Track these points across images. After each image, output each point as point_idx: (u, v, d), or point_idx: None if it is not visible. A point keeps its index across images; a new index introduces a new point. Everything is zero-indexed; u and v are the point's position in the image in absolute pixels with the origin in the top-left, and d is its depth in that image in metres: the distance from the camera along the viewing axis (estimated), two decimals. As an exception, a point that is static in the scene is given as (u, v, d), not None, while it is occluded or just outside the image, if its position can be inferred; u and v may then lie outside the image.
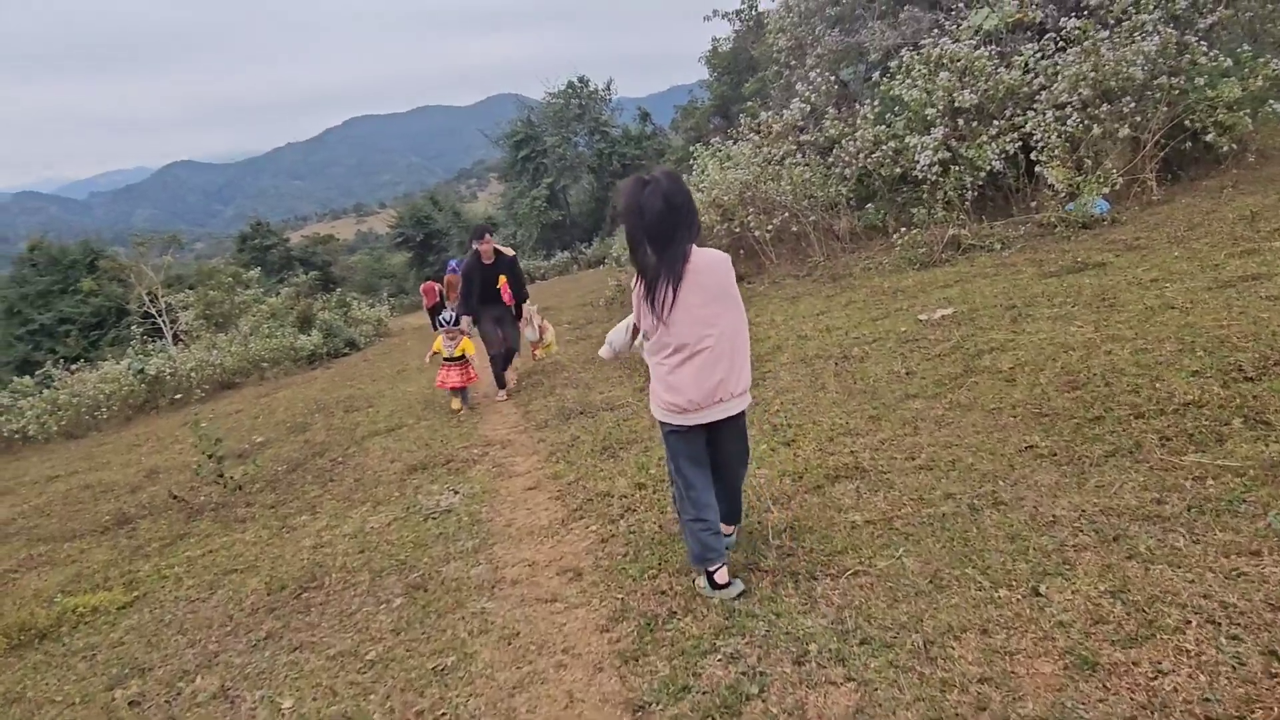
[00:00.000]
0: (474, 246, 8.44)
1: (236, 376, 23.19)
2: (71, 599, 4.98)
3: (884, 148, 12.50)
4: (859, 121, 12.97)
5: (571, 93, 58.48)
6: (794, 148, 13.89)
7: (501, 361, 9.39)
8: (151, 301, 26.67)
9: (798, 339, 7.89)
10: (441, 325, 9.09)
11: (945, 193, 11.25)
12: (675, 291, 3.09)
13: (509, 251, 8.44)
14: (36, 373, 26.96)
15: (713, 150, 17.87)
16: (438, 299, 21.96)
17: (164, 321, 26.13)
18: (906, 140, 12.19)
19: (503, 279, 8.51)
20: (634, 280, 3.27)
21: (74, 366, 25.58)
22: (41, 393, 24.02)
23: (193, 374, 22.32)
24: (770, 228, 13.31)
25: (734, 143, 17.18)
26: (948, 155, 11.69)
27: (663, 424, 3.34)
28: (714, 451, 3.43)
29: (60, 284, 55.54)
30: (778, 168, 13.78)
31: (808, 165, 13.78)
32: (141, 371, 22.39)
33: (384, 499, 5.91)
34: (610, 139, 57.10)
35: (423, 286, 23.55)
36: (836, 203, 13.75)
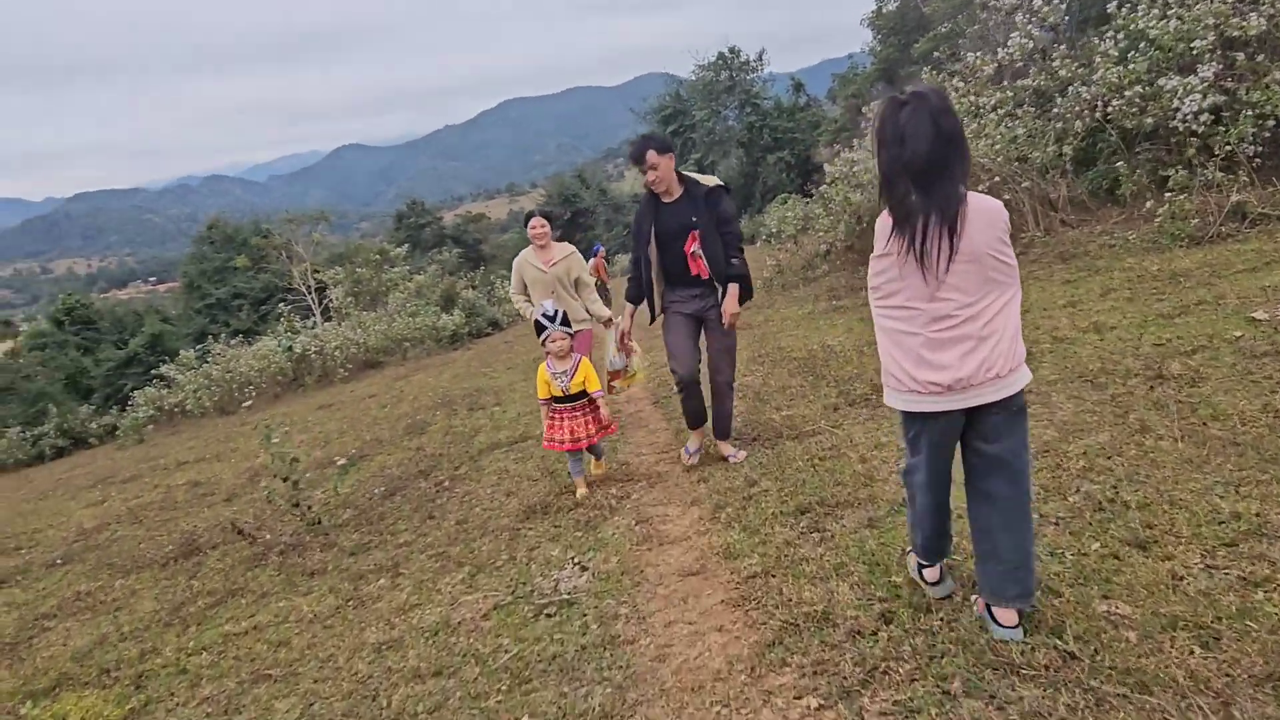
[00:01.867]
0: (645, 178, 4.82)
1: (380, 355, 22.73)
2: (37, 711, 3.62)
3: (1128, 94, 9.89)
4: (1097, 60, 10.39)
5: (722, 64, 56.13)
6: (1007, 96, 11.44)
7: (695, 400, 5.34)
8: (301, 279, 26.68)
9: (1054, 341, 5.73)
10: (544, 329, 4.98)
11: (1226, 146, 8.60)
12: (952, 242, 2.39)
13: (710, 181, 4.78)
14: (197, 346, 27.48)
15: (891, 110, 15.45)
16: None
17: (312, 299, 26.10)
18: (1159, 84, 9.56)
19: (694, 237, 4.74)
20: (885, 227, 2.54)
21: (233, 341, 25.90)
22: (200, 367, 24.36)
23: (336, 353, 21.93)
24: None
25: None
26: (1221, 100, 9.04)
27: (909, 414, 2.67)
28: (977, 460, 2.66)
29: (233, 261, 57.99)
30: (980, 122, 11.38)
31: (1018, 119, 11.30)
32: (289, 349, 22.22)
33: (487, 562, 4.26)
34: (761, 111, 54.43)
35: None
36: (1055, 165, 11.22)
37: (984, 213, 2.46)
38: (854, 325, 8.80)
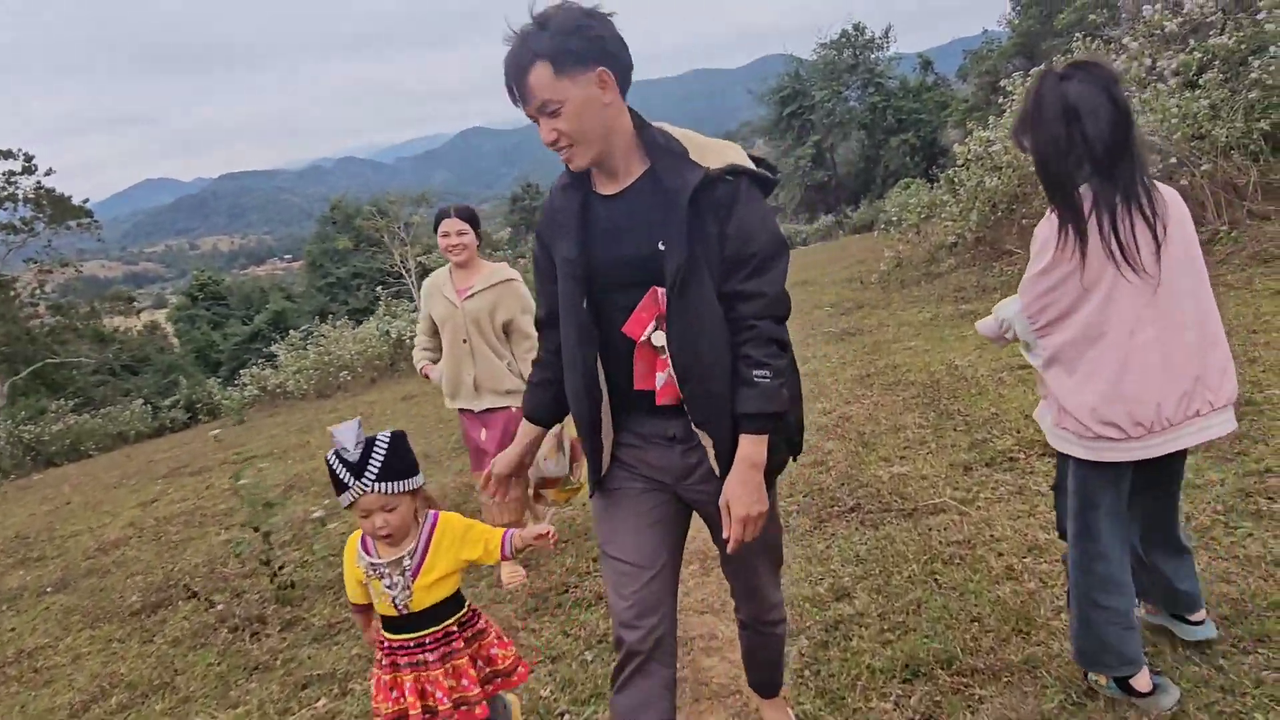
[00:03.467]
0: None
1: (474, 341, 22.10)
2: None
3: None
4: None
5: (845, 42, 53.42)
6: (1191, 58, 9.46)
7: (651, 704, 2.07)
8: (401, 261, 26.39)
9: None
10: (341, 485, 2.22)
11: None
12: (1156, 232, 1.97)
13: (718, 154, 1.94)
14: (303, 328, 27.51)
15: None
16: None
17: (411, 281, 25.71)
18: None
19: (653, 301, 1.94)
20: (1052, 233, 2.02)
21: (339, 322, 25.78)
22: (305, 349, 24.34)
23: (431, 339, 21.35)
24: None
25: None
26: None
27: (1085, 462, 2.09)
28: (1147, 501, 2.24)
29: (334, 242, 59.32)
30: (1154, 90, 9.45)
31: (1202, 88, 9.30)
32: (386, 334, 21.87)
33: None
34: (885, 91, 51.61)
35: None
36: (1243, 144, 9.18)
37: (1173, 202, 2.14)
38: (986, 340, 7.19)
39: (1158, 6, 10.13)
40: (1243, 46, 9.32)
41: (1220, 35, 9.21)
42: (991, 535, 3.31)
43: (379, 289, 24.48)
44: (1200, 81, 9.51)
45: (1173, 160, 9.03)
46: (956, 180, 13.59)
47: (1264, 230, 8.35)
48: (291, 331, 26.89)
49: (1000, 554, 3.15)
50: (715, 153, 1.91)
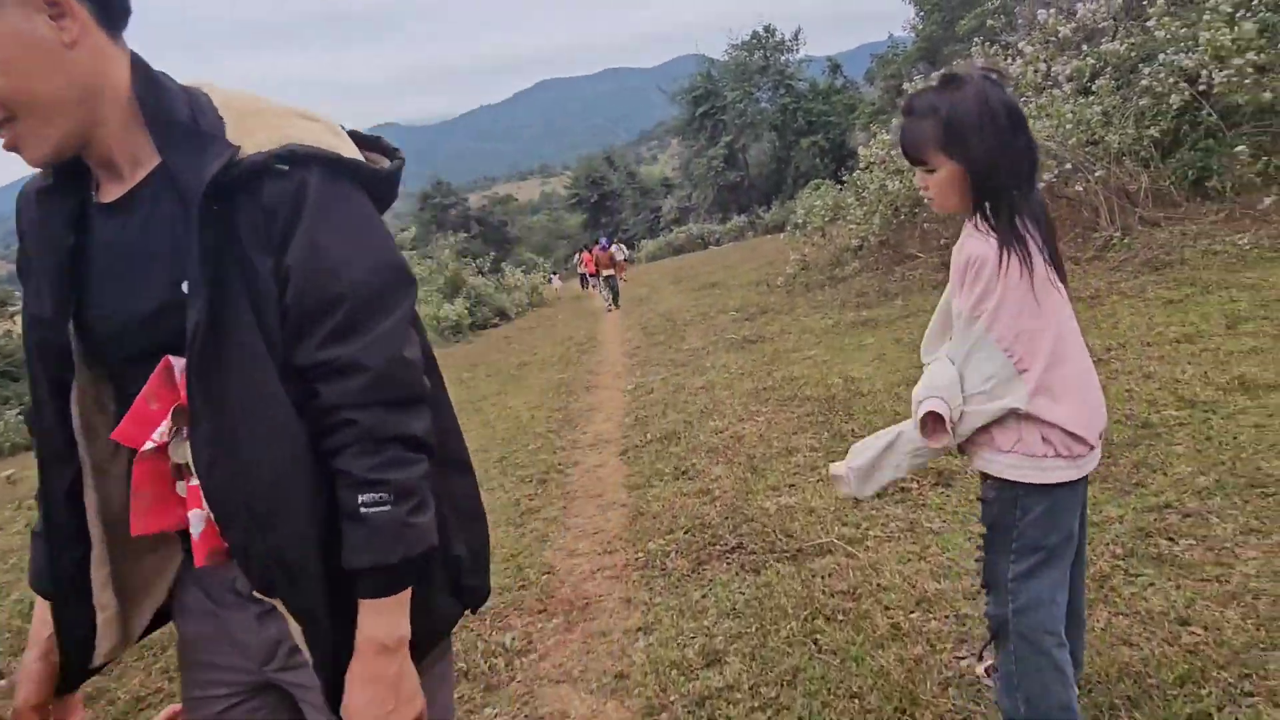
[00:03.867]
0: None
1: (377, 347, 21.26)
2: None
3: (1237, 62, 7.93)
4: (1200, 20, 8.42)
5: (756, 44, 53.87)
6: (1085, 64, 9.51)
7: None
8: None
9: (1184, 405, 3.90)
10: None
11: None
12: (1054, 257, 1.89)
13: (273, 135, 1.12)
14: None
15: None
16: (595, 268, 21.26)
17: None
18: (1282, 49, 7.61)
19: (160, 376, 1.14)
20: (992, 253, 1.78)
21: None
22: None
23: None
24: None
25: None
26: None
27: (1060, 485, 1.86)
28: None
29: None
30: (1048, 96, 9.46)
31: (1094, 94, 9.35)
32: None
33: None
34: (795, 93, 52.25)
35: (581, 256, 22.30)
36: (1134, 150, 9.27)
37: None
38: (886, 348, 6.98)
39: (1052, 12, 10.18)
40: (1133, 54, 9.41)
41: (1112, 41, 9.27)
42: (879, 584, 2.99)
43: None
44: (1093, 88, 9.59)
45: (1068, 166, 9.05)
46: (860, 183, 13.56)
47: (1155, 237, 8.40)
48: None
49: (887, 607, 2.83)
50: (267, 124, 1.13)
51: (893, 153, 11.84)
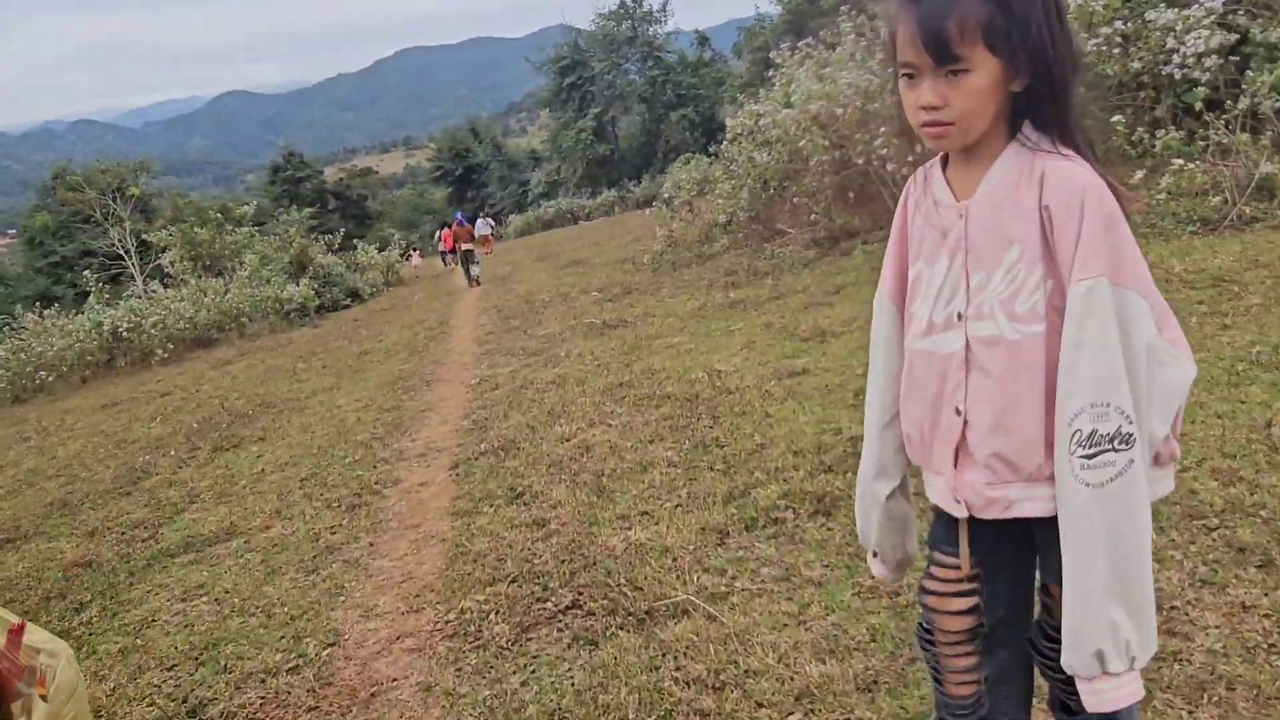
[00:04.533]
0: None
1: (214, 332, 19.42)
2: None
3: (1104, 31, 7.69)
4: (1068, -13, 8.14)
5: (623, 14, 52.97)
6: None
7: None
8: (120, 240, 22.78)
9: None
10: None
11: (1251, 99, 6.40)
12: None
13: None
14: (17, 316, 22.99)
15: (802, 55, 13.07)
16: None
17: (133, 263, 22.27)
18: (1150, 19, 7.38)
19: None
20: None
21: (46, 312, 21.81)
22: (5, 343, 20.40)
23: (154, 330, 18.44)
24: (913, 155, 8.64)
25: (833, 49, 12.40)
26: (1233, 41, 6.93)
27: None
28: None
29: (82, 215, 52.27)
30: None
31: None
32: (99, 325, 18.63)
33: None
34: (664, 65, 51.79)
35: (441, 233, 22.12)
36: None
37: None
38: (755, 334, 6.35)
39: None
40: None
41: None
42: (748, 667, 2.27)
43: (85, 273, 20.94)
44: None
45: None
46: (727, 156, 13.01)
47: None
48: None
49: (759, 704, 2.12)
50: None
51: (760, 123, 11.30)
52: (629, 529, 3.30)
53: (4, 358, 18.69)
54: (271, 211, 41.29)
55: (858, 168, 9.61)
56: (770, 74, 14.29)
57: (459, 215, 23.30)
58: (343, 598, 3.36)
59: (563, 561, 3.16)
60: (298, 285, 20.88)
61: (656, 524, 3.29)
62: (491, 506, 3.96)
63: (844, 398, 4.27)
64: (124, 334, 18.61)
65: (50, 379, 17.62)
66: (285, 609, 3.33)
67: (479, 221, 32.21)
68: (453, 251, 23.57)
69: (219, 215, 24.54)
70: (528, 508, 3.82)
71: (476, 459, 4.79)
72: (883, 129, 8.62)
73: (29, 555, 4.83)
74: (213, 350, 17.90)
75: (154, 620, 3.49)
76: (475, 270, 19.23)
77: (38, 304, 24.06)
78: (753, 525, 3.08)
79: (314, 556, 3.85)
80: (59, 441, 10.11)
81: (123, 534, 4.86)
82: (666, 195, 15.36)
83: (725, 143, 13.29)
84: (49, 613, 3.75)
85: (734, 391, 4.88)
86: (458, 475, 4.62)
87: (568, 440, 4.70)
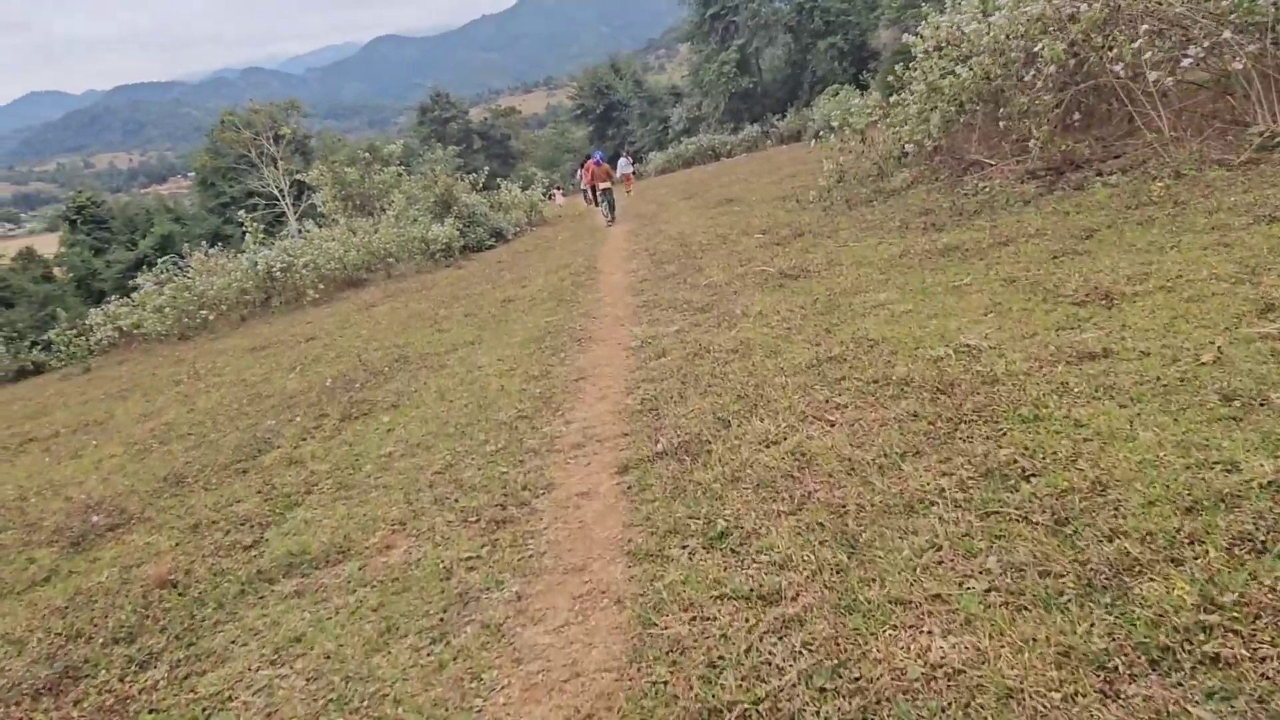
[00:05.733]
0: None
1: (362, 272, 19.31)
2: None
3: None
4: None
5: (772, -63, 49.96)
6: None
7: None
8: (274, 180, 22.92)
9: None
10: None
11: None
12: None
13: None
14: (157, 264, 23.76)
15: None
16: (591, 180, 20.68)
17: (287, 204, 22.40)
18: None
19: None
20: None
21: (211, 251, 22.36)
22: (173, 282, 21.03)
23: (306, 270, 18.42)
24: (1173, 67, 6.76)
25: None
26: None
27: None
28: None
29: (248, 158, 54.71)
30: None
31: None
32: (255, 265, 18.81)
33: None
34: (813, -10, 48.61)
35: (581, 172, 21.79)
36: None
37: None
38: (998, 294, 4.89)
39: None
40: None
41: None
42: None
43: (241, 212, 21.12)
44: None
45: (1223, 37, 6.75)
46: (908, 78, 11.24)
47: None
48: (160, 261, 23.29)
49: None
50: None
51: (968, 30, 9.49)
52: (921, 634, 2.06)
53: (169, 297, 19.09)
54: (420, 152, 41.57)
55: (1092, 82, 7.79)
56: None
57: (598, 154, 22.75)
58: (479, 699, 2.29)
59: (821, 693, 1.96)
60: (442, 225, 20.42)
61: (969, 631, 2.03)
62: (683, 549, 2.81)
63: (1204, 401, 2.85)
64: (277, 274, 18.70)
65: (212, 317, 17.92)
66: (399, 709, 2.30)
67: (621, 160, 31.41)
68: (593, 189, 23.04)
69: (366, 155, 24.35)
70: (739, 560, 2.64)
71: (652, 462, 3.64)
72: (1144, 27, 6.77)
73: (122, 555, 4.07)
74: (361, 291, 17.73)
75: (229, 700, 2.55)
76: (613, 210, 19.17)
77: (206, 243, 24.77)
78: (1159, 662, 1.79)
79: (443, 609, 2.81)
80: (205, 388, 9.77)
81: (226, 534, 4.02)
82: (837, 123, 13.63)
83: (907, 62, 11.50)
84: (109, 667, 2.89)
85: (1002, 380, 3.51)
86: (629, 487, 3.49)
87: (774, 444, 3.48)
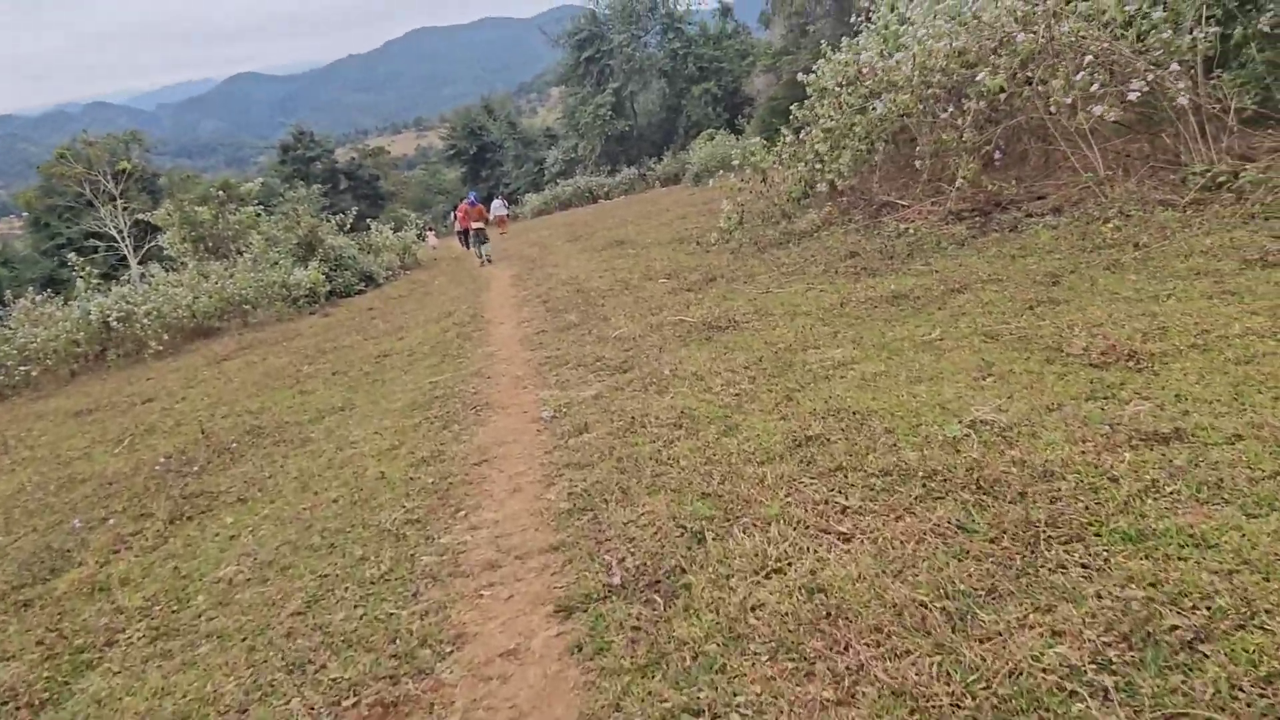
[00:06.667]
0: None
1: (214, 320, 17.40)
2: None
3: None
4: None
5: (643, -17, 50.54)
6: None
7: None
8: (111, 219, 20.67)
9: None
10: None
11: None
12: None
13: None
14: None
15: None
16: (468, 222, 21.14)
17: (128, 246, 20.19)
18: None
19: None
20: None
21: (38, 298, 19.77)
22: (-4, 331, 18.33)
23: (148, 319, 16.39)
24: (1112, 104, 6.33)
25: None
26: None
27: None
28: None
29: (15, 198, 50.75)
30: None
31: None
32: (87, 315, 16.61)
33: None
34: (686, 37, 49.34)
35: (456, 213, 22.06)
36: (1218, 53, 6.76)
37: None
38: (984, 351, 4.16)
39: None
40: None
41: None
42: None
43: (72, 255, 18.81)
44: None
45: (1149, 80, 6.39)
46: (810, 116, 10.76)
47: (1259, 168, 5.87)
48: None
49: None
50: None
51: (882, 65, 9.02)
52: None
53: (-2, 350, 16.64)
54: (282, 191, 39.27)
55: (1021, 118, 7.38)
56: (855, 18, 11.99)
57: (471, 195, 22.98)
58: None
59: None
60: (306, 269, 18.80)
61: None
62: None
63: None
64: (114, 324, 16.61)
65: (35, 373, 15.67)
66: None
67: (495, 202, 30.81)
68: (467, 231, 22.88)
69: (220, 193, 22.32)
70: None
71: (604, 600, 2.62)
72: (1088, 58, 6.34)
73: None
74: (213, 341, 15.96)
75: None
76: (486, 249, 19.55)
77: (34, 288, 22.04)
78: None
79: None
80: (8, 466, 8.11)
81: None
82: (735, 162, 13.02)
83: (806, 101, 11.08)
84: None
85: (1059, 474, 2.70)
86: (577, 646, 2.45)
87: (776, 573, 2.52)
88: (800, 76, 11.81)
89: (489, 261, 19.02)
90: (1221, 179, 6.03)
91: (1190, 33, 6.63)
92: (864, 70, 9.24)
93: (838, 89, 9.87)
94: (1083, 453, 2.79)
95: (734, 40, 50.18)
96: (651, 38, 51.41)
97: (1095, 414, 3.08)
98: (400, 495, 4.13)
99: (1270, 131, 6.93)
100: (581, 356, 6.46)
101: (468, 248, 24.86)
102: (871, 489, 2.91)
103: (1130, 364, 3.48)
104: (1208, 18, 6.82)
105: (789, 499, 2.98)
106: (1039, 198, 7.71)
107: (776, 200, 11.75)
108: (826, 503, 2.89)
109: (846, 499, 2.88)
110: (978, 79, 6.88)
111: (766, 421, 3.85)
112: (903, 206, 9.14)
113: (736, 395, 4.39)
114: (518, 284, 13.23)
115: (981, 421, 3.22)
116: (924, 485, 2.83)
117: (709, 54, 48.31)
